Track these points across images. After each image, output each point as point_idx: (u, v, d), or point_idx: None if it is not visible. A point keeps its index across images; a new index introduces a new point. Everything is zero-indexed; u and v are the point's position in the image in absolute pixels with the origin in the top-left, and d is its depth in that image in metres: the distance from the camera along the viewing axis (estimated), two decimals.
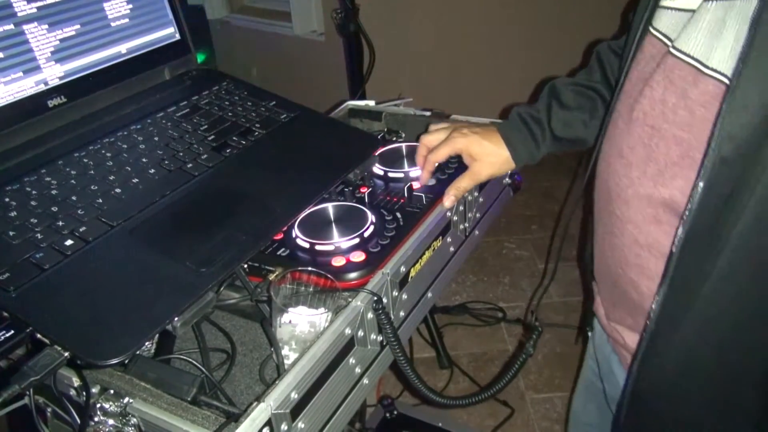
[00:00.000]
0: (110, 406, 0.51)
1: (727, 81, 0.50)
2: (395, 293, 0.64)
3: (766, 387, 0.57)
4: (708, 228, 0.51)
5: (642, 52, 0.63)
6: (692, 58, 0.54)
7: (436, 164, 0.78)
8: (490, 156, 0.77)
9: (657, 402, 0.64)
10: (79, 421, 0.53)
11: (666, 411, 0.64)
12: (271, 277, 0.63)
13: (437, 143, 0.78)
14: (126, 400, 0.51)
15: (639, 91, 0.61)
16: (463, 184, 0.75)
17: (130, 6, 0.81)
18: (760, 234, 0.50)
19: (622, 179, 0.64)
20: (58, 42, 0.73)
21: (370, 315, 0.60)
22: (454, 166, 0.79)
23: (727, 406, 0.61)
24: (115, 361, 0.49)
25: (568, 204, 0.80)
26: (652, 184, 0.60)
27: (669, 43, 0.58)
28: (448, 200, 0.73)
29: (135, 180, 0.68)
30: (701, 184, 0.49)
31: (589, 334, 0.93)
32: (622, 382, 0.76)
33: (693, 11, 0.55)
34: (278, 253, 0.66)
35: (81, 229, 0.61)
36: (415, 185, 0.76)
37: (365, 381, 0.62)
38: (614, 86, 0.69)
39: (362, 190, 0.75)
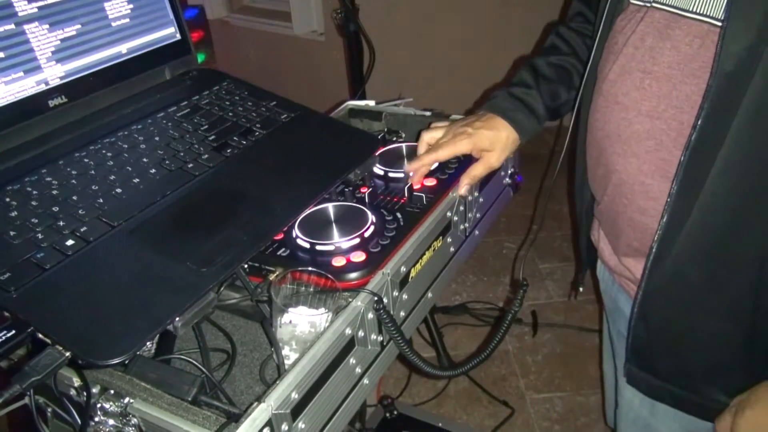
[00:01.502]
0: (111, 406, 0.52)
1: (709, 20, 0.62)
2: (395, 293, 0.64)
3: (758, 265, 0.66)
4: (712, 130, 0.61)
5: (623, 18, 0.74)
6: (674, 7, 0.66)
7: (436, 164, 0.79)
8: (498, 144, 0.81)
9: (664, 298, 0.73)
10: (79, 421, 0.53)
11: (672, 304, 0.73)
12: (272, 277, 0.63)
13: (438, 141, 0.80)
14: (126, 400, 0.51)
15: (624, 46, 0.72)
16: (477, 172, 0.79)
17: (131, 6, 0.81)
18: (753, 130, 0.60)
19: (620, 122, 0.73)
20: (58, 42, 0.73)
21: (370, 315, 0.60)
22: (455, 166, 0.80)
23: (724, 286, 0.69)
24: (116, 361, 0.49)
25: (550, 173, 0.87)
26: (648, 119, 0.70)
27: (648, 3, 0.69)
28: (464, 188, 0.76)
29: (136, 180, 0.68)
30: (712, 91, 0.60)
31: (581, 289, 1.06)
32: (628, 314, 0.83)
33: None
34: (278, 253, 0.66)
35: (82, 229, 0.61)
36: (416, 185, 0.76)
37: (365, 381, 0.62)
38: (589, 53, 0.79)
39: (362, 190, 0.75)
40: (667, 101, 0.67)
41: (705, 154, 0.63)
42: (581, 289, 1.05)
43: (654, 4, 0.69)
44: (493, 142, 0.80)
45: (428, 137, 0.82)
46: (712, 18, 0.62)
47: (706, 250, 0.68)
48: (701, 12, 0.63)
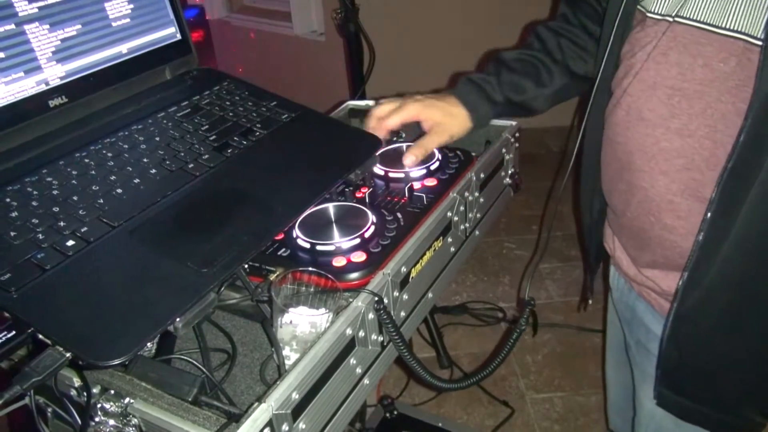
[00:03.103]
0: (111, 406, 0.52)
1: (745, 38, 0.59)
2: (396, 293, 0.64)
3: None
4: (752, 152, 0.59)
5: (639, 31, 0.71)
6: (703, 23, 0.63)
7: (389, 131, 0.80)
8: (448, 116, 0.81)
9: (698, 321, 0.71)
10: (80, 421, 0.53)
11: (706, 326, 0.71)
12: (272, 277, 0.63)
13: (389, 112, 0.81)
14: (127, 400, 0.51)
15: (645, 61, 0.69)
16: (427, 142, 0.78)
17: (131, 6, 0.81)
18: None
19: (646, 138, 0.70)
20: (59, 42, 0.73)
21: (371, 315, 0.60)
22: (455, 166, 0.79)
23: (762, 307, 0.68)
24: (116, 361, 0.49)
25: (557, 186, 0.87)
26: (678, 137, 0.67)
27: (669, 17, 0.66)
28: (409, 159, 0.76)
29: (136, 180, 0.68)
30: (753, 112, 0.58)
31: (590, 302, 1.05)
32: (648, 323, 0.84)
33: None
34: (279, 253, 0.66)
35: (82, 230, 0.61)
36: (416, 185, 0.76)
37: (366, 381, 0.62)
38: (600, 63, 0.78)
39: (363, 190, 0.75)
40: (699, 119, 0.65)
41: (744, 175, 0.61)
42: (590, 301, 1.03)
43: (677, 19, 0.66)
44: (444, 113, 0.81)
45: (377, 112, 0.83)
46: (748, 36, 0.59)
47: (744, 272, 0.66)
48: (736, 29, 0.60)
